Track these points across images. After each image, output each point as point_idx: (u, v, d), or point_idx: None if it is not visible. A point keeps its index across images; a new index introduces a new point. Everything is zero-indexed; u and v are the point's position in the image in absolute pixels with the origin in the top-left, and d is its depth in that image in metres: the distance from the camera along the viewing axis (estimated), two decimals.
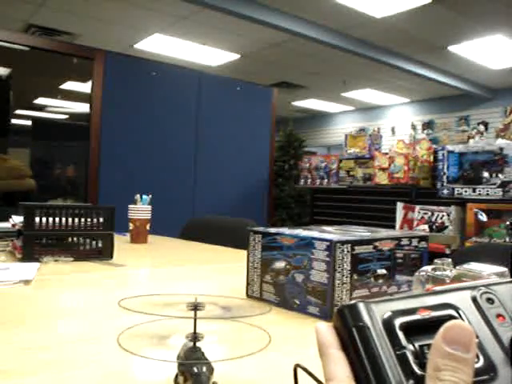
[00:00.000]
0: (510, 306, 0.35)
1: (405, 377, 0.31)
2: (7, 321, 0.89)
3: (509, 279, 0.38)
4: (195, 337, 0.59)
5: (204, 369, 0.55)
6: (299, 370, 0.36)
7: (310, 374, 0.35)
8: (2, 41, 3.71)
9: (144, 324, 0.63)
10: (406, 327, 0.33)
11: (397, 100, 10.17)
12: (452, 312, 0.34)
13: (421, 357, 0.31)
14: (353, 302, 0.34)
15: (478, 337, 0.33)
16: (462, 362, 0.30)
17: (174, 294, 0.84)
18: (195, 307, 0.61)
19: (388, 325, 0.33)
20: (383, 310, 0.33)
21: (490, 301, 0.35)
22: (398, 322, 0.33)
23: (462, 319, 0.34)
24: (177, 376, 0.58)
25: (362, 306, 0.33)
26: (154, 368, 0.68)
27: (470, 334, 0.30)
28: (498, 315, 0.34)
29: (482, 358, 0.32)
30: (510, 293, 0.36)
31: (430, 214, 3.51)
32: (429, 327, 0.32)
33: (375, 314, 0.33)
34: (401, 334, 0.32)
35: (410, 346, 0.32)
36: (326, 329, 0.35)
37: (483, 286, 0.36)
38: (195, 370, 0.55)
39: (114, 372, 0.67)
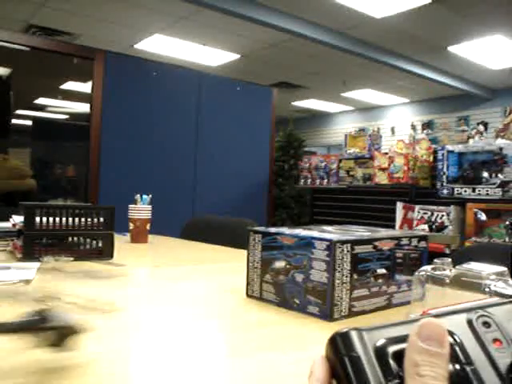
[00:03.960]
0: (507, 329, 0.34)
1: None
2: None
3: (506, 300, 0.37)
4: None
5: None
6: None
7: None
8: (3, 41, 3.71)
9: None
10: (398, 355, 0.32)
11: (396, 100, 10.17)
12: None
13: None
14: (345, 329, 0.33)
15: (473, 363, 0.32)
16: (438, 356, 0.30)
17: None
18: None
19: (380, 353, 0.32)
20: (376, 337, 0.33)
21: (486, 324, 0.34)
22: (390, 349, 0.32)
23: (458, 345, 0.33)
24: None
25: (354, 334, 0.32)
26: None
27: (442, 331, 0.31)
28: (495, 340, 0.33)
29: None
30: (507, 314, 0.35)
31: (429, 213, 3.51)
32: None
33: (367, 341, 0.32)
34: (393, 363, 0.31)
35: (402, 375, 0.31)
36: (319, 360, 0.35)
37: (479, 308, 0.35)
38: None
39: (114, 371, 0.67)
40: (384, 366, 0.31)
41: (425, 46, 6.76)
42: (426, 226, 3.49)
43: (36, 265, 1.40)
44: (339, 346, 0.33)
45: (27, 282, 1.19)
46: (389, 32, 6.26)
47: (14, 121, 4.82)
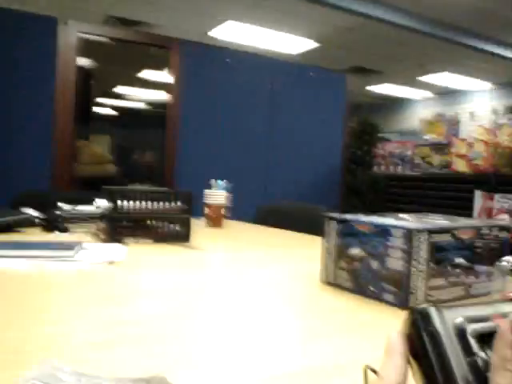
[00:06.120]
0: None
1: None
2: (97, 297, 0.95)
3: None
4: None
5: None
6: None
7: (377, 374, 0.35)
8: (83, 32, 3.87)
9: None
10: (478, 334, 0.32)
11: (477, 83, 9.73)
12: None
13: None
14: (424, 306, 0.33)
15: None
16: None
17: None
18: None
19: (460, 331, 0.32)
20: (455, 315, 0.33)
21: None
22: (470, 328, 0.32)
23: None
24: None
25: (433, 311, 0.33)
26: None
27: None
28: None
29: None
30: None
31: (511, 202, 3.37)
32: None
33: (447, 319, 0.32)
34: (472, 341, 0.32)
35: (482, 354, 0.31)
36: (396, 335, 0.35)
37: None
38: None
39: (198, 347, 0.70)
40: (463, 343, 0.32)
41: (509, 24, 6.41)
42: (506, 216, 3.35)
43: (122, 246, 1.48)
44: (418, 322, 0.33)
45: (113, 262, 1.25)
46: (469, 11, 5.98)
47: (94, 108, 5.02)
